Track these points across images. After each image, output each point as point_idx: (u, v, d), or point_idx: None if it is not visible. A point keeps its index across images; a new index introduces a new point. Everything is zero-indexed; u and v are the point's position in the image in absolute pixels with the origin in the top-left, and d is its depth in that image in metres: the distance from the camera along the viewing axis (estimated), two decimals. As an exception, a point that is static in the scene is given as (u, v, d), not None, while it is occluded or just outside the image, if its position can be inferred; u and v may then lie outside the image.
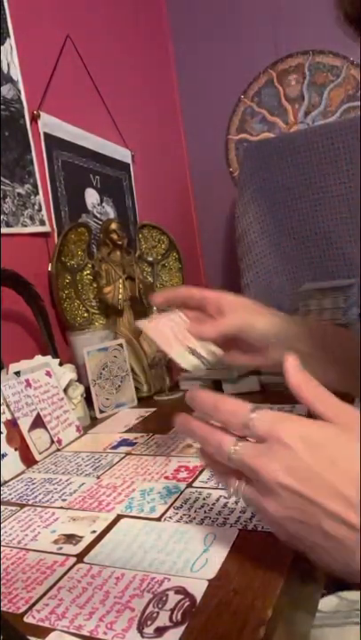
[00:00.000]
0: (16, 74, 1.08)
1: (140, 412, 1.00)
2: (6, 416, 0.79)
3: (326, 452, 0.35)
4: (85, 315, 1.19)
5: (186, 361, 0.56)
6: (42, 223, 1.12)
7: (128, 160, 1.55)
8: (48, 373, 0.90)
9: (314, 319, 0.74)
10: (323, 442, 0.36)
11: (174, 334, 0.58)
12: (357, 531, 0.33)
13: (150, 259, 1.38)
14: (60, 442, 0.86)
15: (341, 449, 0.35)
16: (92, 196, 1.34)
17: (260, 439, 0.39)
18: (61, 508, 0.63)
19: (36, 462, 0.80)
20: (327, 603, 0.69)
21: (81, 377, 0.99)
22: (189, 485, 0.63)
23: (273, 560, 0.44)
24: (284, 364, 0.41)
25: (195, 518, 0.54)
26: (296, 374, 0.41)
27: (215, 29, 1.92)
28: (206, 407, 0.43)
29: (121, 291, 1.17)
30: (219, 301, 0.67)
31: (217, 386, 1.07)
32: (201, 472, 0.66)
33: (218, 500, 0.58)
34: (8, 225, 1.02)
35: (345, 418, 0.38)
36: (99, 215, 1.35)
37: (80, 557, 0.51)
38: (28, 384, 0.85)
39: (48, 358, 0.92)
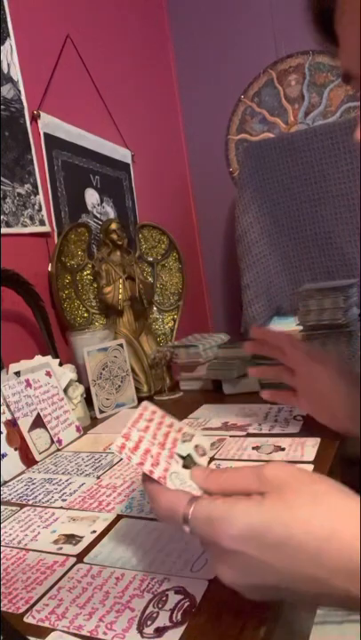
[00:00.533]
0: (16, 74, 1.08)
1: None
2: (6, 416, 0.79)
3: (272, 540, 0.33)
4: (85, 315, 1.19)
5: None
6: (42, 223, 1.12)
7: (128, 160, 1.55)
8: (48, 373, 0.90)
9: None
10: (264, 531, 0.33)
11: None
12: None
13: (150, 259, 1.38)
14: (60, 442, 0.86)
15: (284, 528, 0.33)
16: (92, 196, 1.34)
17: (202, 541, 0.38)
18: (61, 508, 0.63)
19: (36, 462, 0.80)
20: None
21: (81, 377, 0.99)
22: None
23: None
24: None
25: (195, 518, 0.54)
26: (203, 478, 0.40)
27: (215, 29, 1.92)
28: (148, 497, 0.41)
29: (121, 291, 1.17)
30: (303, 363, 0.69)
31: (217, 386, 1.08)
32: (201, 472, 0.66)
33: (218, 500, 0.58)
34: (8, 225, 1.02)
35: (270, 481, 0.36)
36: (99, 215, 1.35)
37: (80, 557, 0.51)
38: (28, 384, 0.85)
39: (48, 358, 0.92)
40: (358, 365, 0.96)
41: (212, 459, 0.70)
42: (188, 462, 0.42)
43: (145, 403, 0.48)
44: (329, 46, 0.46)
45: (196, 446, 0.46)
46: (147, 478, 0.41)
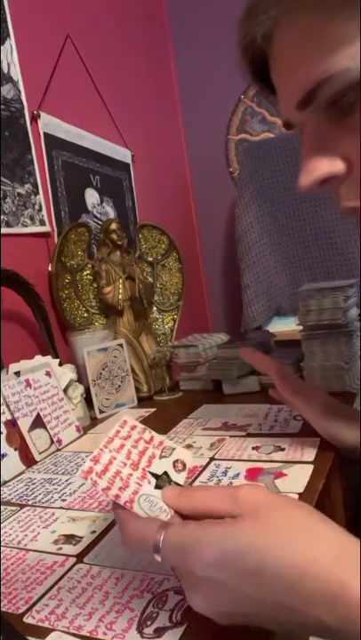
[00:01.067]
0: (16, 74, 1.08)
1: (139, 412, 1.00)
2: (6, 416, 0.79)
3: (246, 566, 0.32)
4: (85, 315, 1.19)
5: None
6: (42, 223, 1.12)
7: (128, 160, 1.55)
8: (48, 373, 0.90)
9: None
10: (238, 557, 0.32)
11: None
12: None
13: (150, 259, 1.38)
14: (60, 442, 0.86)
15: (258, 555, 0.32)
16: (92, 196, 1.34)
17: (173, 568, 0.37)
18: (61, 508, 0.63)
19: (35, 462, 0.80)
20: None
21: (81, 377, 0.99)
22: (189, 485, 0.63)
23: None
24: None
25: (195, 518, 0.54)
26: (174, 498, 0.39)
27: (215, 29, 1.92)
28: (117, 525, 0.40)
29: (121, 291, 1.17)
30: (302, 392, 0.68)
31: (217, 386, 1.08)
32: (201, 472, 0.66)
33: (218, 500, 0.58)
34: (8, 225, 1.02)
35: (245, 504, 0.35)
36: (99, 215, 1.35)
37: (80, 557, 0.51)
38: (28, 384, 0.85)
39: (48, 358, 0.92)
40: (358, 365, 0.96)
41: (212, 459, 0.70)
42: (162, 482, 0.41)
43: (124, 417, 0.46)
44: (267, 95, 0.45)
45: (176, 461, 0.44)
46: (116, 505, 0.39)
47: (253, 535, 0.33)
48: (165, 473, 0.42)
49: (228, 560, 0.33)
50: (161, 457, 0.44)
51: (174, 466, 0.43)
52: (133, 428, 0.45)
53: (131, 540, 0.38)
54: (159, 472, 0.42)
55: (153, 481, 0.41)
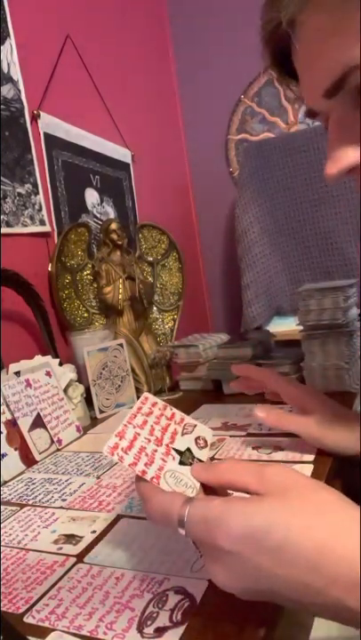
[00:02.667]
0: (16, 74, 1.08)
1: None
2: (6, 416, 0.79)
3: (271, 544, 0.32)
4: (85, 315, 1.19)
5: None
6: (42, 223, 1.12)
7: (128, 160, 1.55)
8: (48, 373, 0.90)
9: None
10: (263, 534, 0.33)
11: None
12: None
13: (150, 259, 1.38)
14: (60, 442, 0.86)
15: (284, 532, 0.32)
16: (92, 196, 1.34)
17: (197, 543, 0.37)
18: (61, 507, 0.63)
19: (36, 462, 0.80)
20: None
21: (81, 377, 0.99)
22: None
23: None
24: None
25: (195, 518, 0.54)
26: (202, 471, 0.39)
27: (215, 29, 1.92)
28: (141, 498, 0.40)
29: (121, 291, 1.17)
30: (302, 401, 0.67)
31: (217, 386, 1.08)
32: (201, 472, 0.66)
33: (218, 500, 0.58)
34: (8, 225, 1.02)
35: (273, 483, 0.35)
36: (99, 215, 1.35)
37: (80, 557, 0.51)
38: (28, 384, 0.85)
39: (48, 358, 0.92)
40: (358, 365, 0.96)
41: (212, 459, 0.70)
42: (185, 458, 0.41)
43: (145, 394, 0.47)
44: (288, 81, 0.45)
45: (197, 438, 0.44)
46: (139, 479, 0.39)
47: (280, 513, 0.33)
48: (188, 449, 0.42)
49: (253, 535, 0.33)
50: (183, 434, 0.44)
51: (196, 442, 0.44)
52: (154, 404, 0.46)
53: (155, 512, 0.38)
54: (182, 448, 0.42)
55: (177, 457, 0.41)
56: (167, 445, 0.41)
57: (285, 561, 0.32)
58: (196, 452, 0.43)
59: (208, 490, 0.40)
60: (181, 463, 0.40)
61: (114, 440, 0.40)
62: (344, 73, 0.35)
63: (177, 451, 0.41)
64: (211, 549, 0.35)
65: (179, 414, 0.46)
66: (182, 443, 0.42)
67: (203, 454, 0.43)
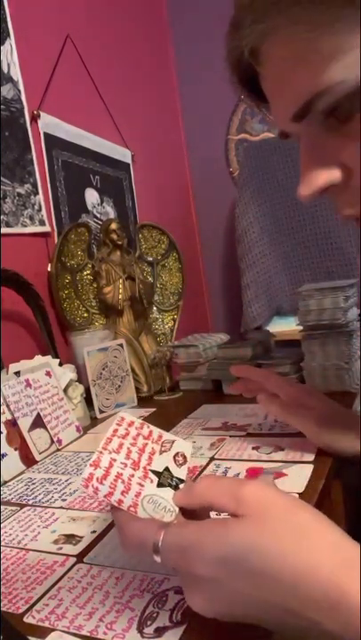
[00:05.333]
0: (16, 74, 1.08)
1: (140, 412, 1.00)
2: (6, 416, 0.79)
3: (248, 569, 0.32)
4: (85, 315, 1.19)
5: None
6: (42, 223, 1.12)
7: (128, 160, 1.55)
8: (48, 373, 0.90)
9: None
10: (239, 559, 0.32)
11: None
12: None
13: (150, 259, 1.38)
14: (60, 442, 0.86)
15: (260, 557, 0.32)
16: (92, 196, 1.34)
17: (174, 569, 0.36)
18: (61, 507, 0.63)
19: (36, 462, 0.80)
20: None
21: (81, 377, 0.99)
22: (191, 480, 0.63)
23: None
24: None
25: (195, 518, 0.54)
26: (182, 497, 0.39)
27: (215, 29, 1.91)
28: (116, 527, 0.39)
29: (121, 291, 1.17)
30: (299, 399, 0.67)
31: (217, 386, 1.08)
32: (201, 472, 0.66)
33: (218, 500, 0.58)
34: (8, 225, 1.02)
35: (249, 506, 0.34)
36: (99, 215, 1.35)
37: (80, 557, 0.51)
38: (28, 384, 0.85)
39: (48, 358, 0.92)
40: (358, 365, 0.96)
41: (212, 459, 0.70)
42: (164, 479, 0.40)
43: (120, 414, 0.45)
44: (261, 105, 0.46)
45: (176, 455, 0.43)
46: (115, 508, 0.38)
47: (256, 537, 0.32)
48: (167, 469, 0.41)
49: (229, 560, 0.32)
50: (161, 452, 0.42)
51: (175, 460, 0.42)
52: (131, 424, 0.44)
53: (129, 542, 0.37)
54: (160, 469, 0.41)
55: (155, 479, 0.40)
56: (145, 468, 0.40)
57: (263, 586, 0.32)
58: (175, 471, 0.41)
59: (188, 511, 0.39)
60: (160, 485, 0.39)
61: (88, 471, 0.38)
62: (311, 98, 0.35)
63: (155, 472, 0.40)
64: (187, 576, 0.35)
65: (156, 432, 0.45)
66: (160, 462, 0.42)
67: (181, 472, 0.42)
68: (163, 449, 0.43)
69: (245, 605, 0.33)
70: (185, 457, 0.43)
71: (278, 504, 0.34)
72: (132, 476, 0.39)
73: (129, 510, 0.37)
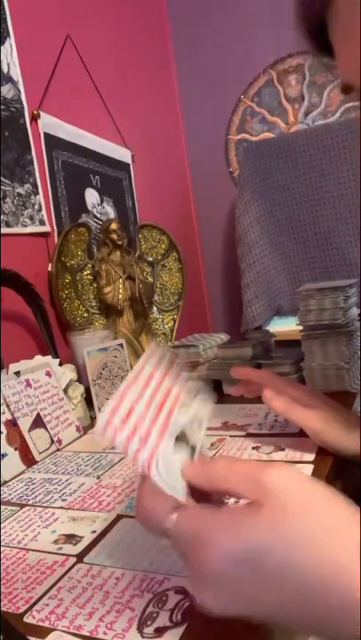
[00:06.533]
0: (16, 74, 1.08)
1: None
2: (6, 416, 0.79)
3: (268, 569, 0.29)
4: (85, 315, 1.19)
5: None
6: (42, 223, 1.12)
7: (128, 160, 1.55)
8: (48, 373, 0.90)
9: None
10: (259, 557, 0.29)
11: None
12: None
13: (150, 259, 1.38)
14: (60, 442, 0.86)
15: (282, 557, 0.29)
16: (92, 196, 1.34)
17: (182, 557, 0.33)
18: (61, 507, 0.63)
19: (36, 462, 0.80)
20: None
21: (81, 377, 0.99)
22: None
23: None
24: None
25: (195, 518, 0.54)
26: (194, 475, 0.35)
27: (215, 29, 1.92)
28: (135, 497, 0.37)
29: (121, 291, 1.17)
30: (287, 392, 0.67)
31: (217, 386, 1.08)
32: (201, 472, 0.66)
33: (218, 500, 0.58)
34: (8, 225, 1.02)
35: (273, 497, 0.31)
36: (99, 215, 1.35)
37: (80, 557, 0.51)
38: (28, 384, 0.85)
39: (48, 358, 0.92)
40: (358, 365, 0.96)
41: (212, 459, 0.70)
42: (179, 443, 0.37)
43: (152, 346, 0.41)
44: (325, 57, 0.45)
45: (193, 420, 0.40)
46: (143, 478, 0.36)
47: (279, 533, 0.29)
48: (183, 432, 0.38)
49: (247, 558, 0.29)
50: (179, 413, 0.39)
51: (192, 424, 0.39)
52: (157, 365, 0.41)
53: (142, 516, 0.35)
54: (177, 431, 0.38)
55: (171, 441, 0.37)
56: (162, 425, 0.37)
57: (284, 589, 0.29)
58: (191, 436, 0.39)
59: (199, 490, 0.36)
60: (177, 443, 0.37)
61: (105, 417, 0.35)
62: None
63: (172, 434, 0.37)
64: (197, 567, 0.31)
65: (176, 386, 0.41)
66: (177, 424, 0.38)
67: (198, 438, 0.39)
68: (180, 410, 0.40)
69: (265, 608, 0.30)
70: (201, 423, 0.41)
71: (304, 494, 0.31)
72: (150, 432, 0.36)
73: (143, 465, 0.34)
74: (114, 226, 1.20)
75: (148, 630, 0.38)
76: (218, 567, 0.30)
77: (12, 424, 0.79)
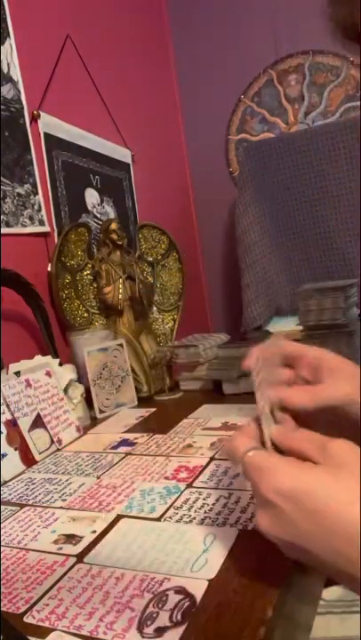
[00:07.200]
0: (16, 74, 1.08)
1: (140, 412, 1.00)
2: (6, 416, 0.79)
3: (311, 507, 0.35)
4: (85, 315, 1.19)
5: None
6: (42, 223, 1.12)
7: (128, 160, 1.55)
8: (48, 373, 0.90)
9: None
10: (305, 496, 0.35)
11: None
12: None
13: (150, 259, 1.38)
14: (60, 442, 0.86)
15: (325, 500, 0.34)
16: (92, 196, 1.34)
17: (250, 485, 0.40)
18: (61, 507, 0.63)
19: (36, 462, 0.80)
20: (331, 592, 0.69)
21: (81, 377, 0.99)
22: (189, 485, 0.63)
23: (273, 560, 0.44)
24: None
25: (195, 518, 0.54)
26: (281, 437, 0.42)
27: (215, 29, 1.92)
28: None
29: (121, 291, 1.17)
30: (318, 363, 0.52)
31: (217, 386, 1.08)
32: (201, 472, 0.66)
33: (218, 500, 0.58)
34: (8, 225, 1.02)
35: (332, 457, 0.37)
36: (99, 215, 1.35)
37: (80, 557, 0.51)
38: (28, 384, 0.85)
39: (48, 358, 0.92)
40: (358, 364, 0.96)
41: (212, 459, 0.70)
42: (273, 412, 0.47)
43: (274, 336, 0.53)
44: (353, 47, 0.47)
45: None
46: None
47: (327, 482, 0.35)
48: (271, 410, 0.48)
49: (295, 495, 0.35)
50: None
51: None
52: (277, 350, 0.52)
53: (227, 447, 0.42)
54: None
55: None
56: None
57: (322, 525, 0.34)
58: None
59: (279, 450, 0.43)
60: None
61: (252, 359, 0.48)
62: None
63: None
64: (259, 495, 0.38)
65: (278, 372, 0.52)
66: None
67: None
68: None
69: (306, 541, 0.35)
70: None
71: (357, 463, 0.36)
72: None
73: (258, 409, 0.45)
74: (114, 226, 1.20)
75: (148, 630, 0.38)
76: (268, 496, 0.37)
77: (12, 424, 0.79)
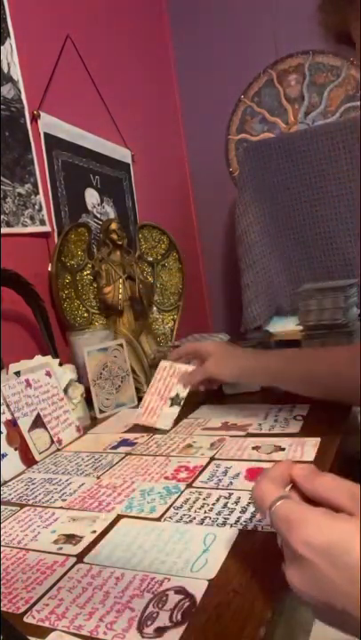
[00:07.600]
0: (16, 74, 1.08)
1: (140, 412, 1.00)
2: (6, 416, 0.79)
3: (348, 561, 0.32)
4: (85, 315, 1.19)
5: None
6: (42, 223, 1.12)
7: (128, 160, 1.55)
8: (48, 373, 0.90)
9: (277, 353, 0.91)
10: (341, 550, 0.33)
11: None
12: None
13: (150, 259, 1.38)
14: (60, 442, 0.86)
15: (351, 554, 0.32)
16: (92, 196, 1.34)
17: (280, 538, 0.38)
18: (61, 507, 0.63)
19: (36, 462, 0.80)
20: None
21: (81, 377, 0.99)
22: (189, 485, 0.63)
23: (273, 560, 0.44)
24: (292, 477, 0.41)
25: (195, 518, 0.54)
26: (304, 480, 0.40)
27: (215, 29, 1.92)
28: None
29: (121, 291, 1.17)
30: (200, 351, 0.89)
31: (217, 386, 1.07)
32: (201, 472, 0.66)
33: (218, 500, 0.58)
34: (8, 225, 1.02)
35: (354, 506, 0.35)
36: (99, 215, 1.35)
37: (80, 557, 0.51)
38: (28, 384, 0.85)
39: (48, 358, 0.92)
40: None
41: (212, 459, 0.70)
42: (174, 402, 0.61)
43: (162, 363, 0.70)
44: (345, 50, 0.47)
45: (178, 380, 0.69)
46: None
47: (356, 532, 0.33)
48: (177, 394, 0.60)
49: (330, 550, 0.33)
50: (176, 382, 0.71)
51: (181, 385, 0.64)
52: (166, 368, 0.76)
53: (256, 494, 0.40)
54: (173, 395, 0.62)
55: (168, 402, 0.63)
56: (164, 397, 0.66)
57: (356, 582, 0.32)
58: (181, 392, 0.70)
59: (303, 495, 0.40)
60: (171, 405, 0.62)
61: (140, 411, 0.69)
62: None
63: (170, 398, 0.65)
64: (288, 548, 0.36)
65: (176, 367, 0.74)
66: (174, 390, 0.65)
67: (182, 391, 0.72)
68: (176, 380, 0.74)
69: (338, 598, 0.33)
70: (174, 372, 0.71)
71: None
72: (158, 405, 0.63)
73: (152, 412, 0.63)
74: (114, 226, 1.20)
75: (148, 630, 0.38)
76: (301, 551, 0.34)
77: (12, 424, 0.79)
